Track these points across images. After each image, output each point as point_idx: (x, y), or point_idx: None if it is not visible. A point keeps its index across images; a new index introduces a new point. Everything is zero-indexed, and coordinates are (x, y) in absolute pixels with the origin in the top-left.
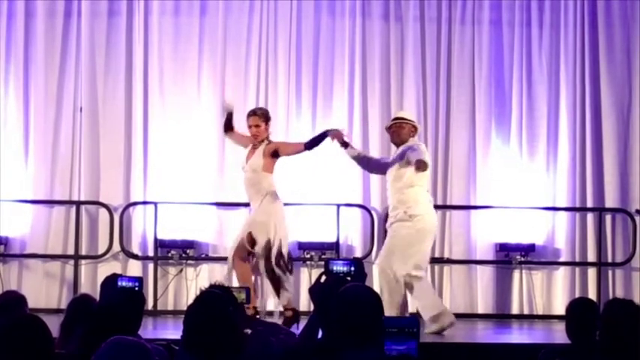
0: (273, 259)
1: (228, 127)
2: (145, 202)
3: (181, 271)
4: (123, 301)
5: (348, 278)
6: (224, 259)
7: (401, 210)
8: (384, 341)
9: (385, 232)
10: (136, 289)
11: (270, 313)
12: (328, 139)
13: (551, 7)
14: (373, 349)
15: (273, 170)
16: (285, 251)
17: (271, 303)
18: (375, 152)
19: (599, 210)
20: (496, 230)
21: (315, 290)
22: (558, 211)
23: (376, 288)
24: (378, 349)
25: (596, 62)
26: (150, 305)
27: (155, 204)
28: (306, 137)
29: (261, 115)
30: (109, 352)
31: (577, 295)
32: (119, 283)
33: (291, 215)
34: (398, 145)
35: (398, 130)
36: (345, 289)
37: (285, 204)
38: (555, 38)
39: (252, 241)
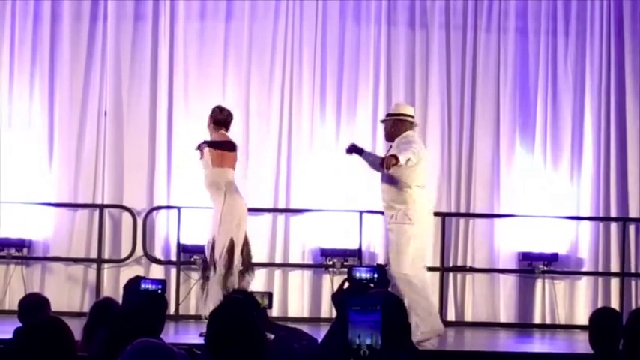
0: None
1: None
2: (168, 207)
3: None
4: (146, 304)
5: (371, 285)
6: None
7: (400, 211)
8: (411, 343)
9: None
10: (159, 291)
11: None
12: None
13: (577, 16)
14: (400, 353)
15: (229, 163)
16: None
17: None
18: None
19: (623, 220)
20: (519, 239)
21: (338, 297)
22: (582, 221)
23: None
24: (405, 353)
25: (621, 72)
26: (172, 310)
27: (178, 208)
28: (330, 144)
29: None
30: (135, 354)
31: (600, 305)
32: (142, 286)
33: (313, 222)
34: (392, 141)
35: (397, 124)
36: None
37: (308, 210)
38: (581, 47)
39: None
